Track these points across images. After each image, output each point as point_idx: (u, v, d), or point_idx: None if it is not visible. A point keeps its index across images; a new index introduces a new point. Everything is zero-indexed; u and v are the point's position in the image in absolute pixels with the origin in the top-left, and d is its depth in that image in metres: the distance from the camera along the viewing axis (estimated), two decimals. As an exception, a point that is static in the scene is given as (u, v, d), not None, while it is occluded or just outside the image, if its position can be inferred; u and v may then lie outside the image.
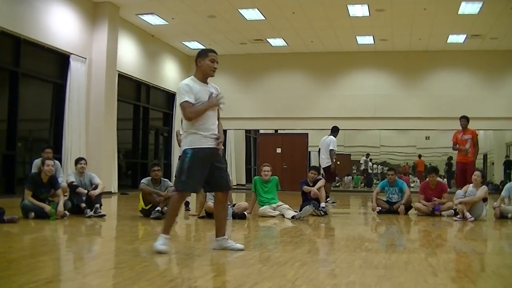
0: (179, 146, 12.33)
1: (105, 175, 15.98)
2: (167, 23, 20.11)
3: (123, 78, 19.38)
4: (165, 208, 10.22)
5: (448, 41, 21.86)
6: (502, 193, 11.69)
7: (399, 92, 23.69)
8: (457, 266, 5.84)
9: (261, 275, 5.01)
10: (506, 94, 22.67)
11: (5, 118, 14.68)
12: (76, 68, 16.41)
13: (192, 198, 12.97)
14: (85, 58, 16.87)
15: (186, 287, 4.51)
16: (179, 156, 6.32)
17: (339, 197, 19.81)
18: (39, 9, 15.06)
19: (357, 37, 21.83)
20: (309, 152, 25.85)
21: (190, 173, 6.09)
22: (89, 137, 16.95)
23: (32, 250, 6.46)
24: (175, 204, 6.28)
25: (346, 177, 29.05)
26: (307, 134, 24.51)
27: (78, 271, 5.34)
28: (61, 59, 16.30)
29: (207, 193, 10.38)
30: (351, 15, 18.88)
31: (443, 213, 11.59)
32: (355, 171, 30.60)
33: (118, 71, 18.52)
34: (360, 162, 30.63)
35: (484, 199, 11.30)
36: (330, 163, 15.99)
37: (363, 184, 29.64)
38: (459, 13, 18.17)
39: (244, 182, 27.98)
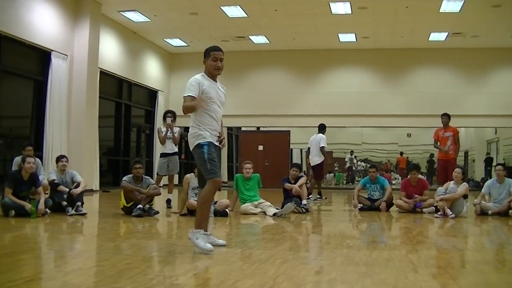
0: (161, 144, 12.44)
1: (86, 172, 15.93)
2: (149, 20, 20.05)
3: (105, 75, 19.28)
4: (147, 205, 10.24)
5: (430, 39, 21.95)
6: (483, 190, 11.83)
7: (381, 89, 23.77)
8: (438, 263, 5.88)
9: (243, 272, 5.02)
10: (487, 92, 22.80)
11: (-14, 115, 14.58)
12: (57, 65, 16.30)
13: (173, 196, 12.94)
14: (67, 55, 16.76)
15: (167, 285, 4.52)
16: (193, 150, 6.32)
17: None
18: (20, 5, 14.93)
19: (339, 34, 21.85)
20: (291, 149, 25.91)
21: (212, 160, 6.16)
22: (71, 134, 16.85)
23: (12, 249, 6.44)
24: (208, 196, 6.20)
25: (328, 175, 29.07)
26: (289, 131, 24.59)
27: (59, 269, 5.31)
28: (42, 56, 16.17)
29: (189, 191, 10.43)
30: (333, 13, 18.89)
31: (424, 210, 11.68)
32: (337, 168, 30.65)
33: (100, 68, 18.43)
34: (345, 160, 30.69)
35: (465, 196, 11.39)
36: (320, 161, 16.15)
37: (345, 181, 29.72)
38: (440, 11, 18.25)
39: (226, 179, 27.96)
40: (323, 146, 16.05)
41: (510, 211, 11.00)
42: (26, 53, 15.80)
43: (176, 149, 12.57)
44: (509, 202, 11.06)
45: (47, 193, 10.53)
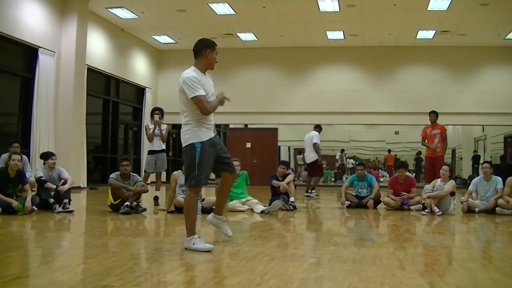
0: (149, 141, 12.41)
1: (74, 169, 15.88)
2: (137, 17, 20.01)
3: (93, 72, 19.23)
4: (134, 202, 10.23)
5: (418, 37, 22.03)
6: (470, 188, 11.89)
7: (369, 87, 23.82)
8: (425, 260, 5.90)
9: (230, 269, 5.03)
10: (475, 90, 22.92)
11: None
12: (44, 61, 16.23)
13: (161, 193, 12.93)
14: (54, 52, 16.70)
15: (155, 282, 4.51)
16: (185, 149, 6.19)
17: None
18: (7, 1, 14.85)
19: (327, 32, 21.88)
20: (279, 146, 25.94)
21: (202, 166, 6.05)
22: (58, 131, 16.79)
23: (-1, 246, 6.41)
24: (191, 202, 6.19)
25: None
26: (277, 129, 24.61)
27: (46, 266, 5.29)
28: (29, 53, 16.10)
29: (176, 188, 10.41)
30: (321, 10, 18.92)
31: (411, 207, 11.72)
32: (325, 165, 30.70)
33: (87, 65, 18.37)
34: (336, 158, 30.73)
35: (452, 193, 11.44)
36: (315, 158, 16.24)
37: (333, 178, 29.79)
38: (428, 9, 18.32)
39: (213, 176, 27.90)
40: (315, 143, 16.09)
41: (496, 208, 11.08)
42: (13, 49, 15.71)
43: (163, 146, 12.55)
44: (496, 199, 11.12)
45: (34, 191, 10.49)
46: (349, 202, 12.38)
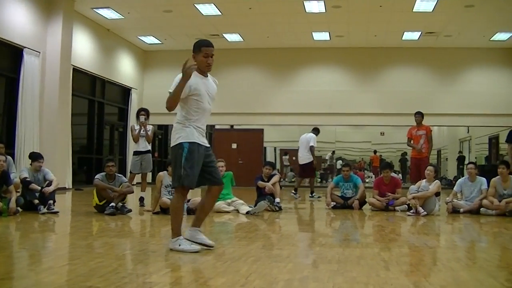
0: (134, 142, 12.40)
1: (59, 170, 15.80)
2: (123, 17, 19.96)
3: (78, 73, 19.16)
4: (120, 203, 10.22)
5: (403, 38, 22.11)
6: (454, 188, 11.98)
7: (355, 88, 23.88)
8: (410, 260, 5.92)
9: (215, 270, 5.03)
10: (460, 91, 23.04)
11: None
12: (29, 61, 16.15)
13: (146, 194, 12.91)
14: (39, 52, 16.61)
15: (139, 283, 4.50)
16: (172, 148, 6.02)
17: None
18: (-9, 1, 14.83)
19: (313, 33, 21.92)
20: (265, 147, 25.94)
21: (188, 167, 5.88)
22: (43, 132, 16.70)
23: (-17, 247, 6.38)
24: (177, 203, 6.11)
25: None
26: (263, 129, 24.60)
27: (31, 268, 5.28)
28: (14, 53, 16.01)
29: (162, 189, 10.41)
30: (307, 11, 18.95)
31: (396, 208, 11.77)
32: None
33: (73, 65, 18.30)
34: (326, 158, 30.74)
35: (437, 194, 11.50)
36: (309, 160, 16.38)
37: (319, 179, 29.81)
38: (414, 10, 18.39)
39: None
40: (312, 146, 16.18)
41: (481, 209, 11.17)
42: (-2, 49, 15.66)
43: (149, 147, 12.54)
44: (481, 200, 11.21)
45: (18, 192, 10.45)
46: (335, 203, 12.42)
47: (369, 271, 5.04)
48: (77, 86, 18.93)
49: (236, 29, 21.60)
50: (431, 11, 18.36)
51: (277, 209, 11.36)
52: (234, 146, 24.16)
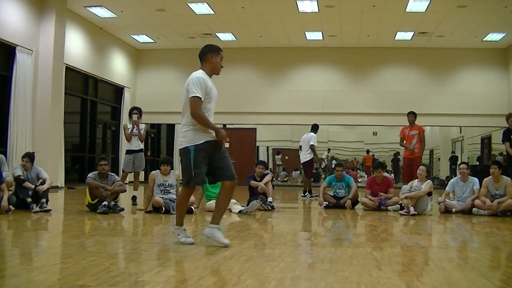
0: (127, 140, 12.37)
1: (52, 169, 15.77)
2: (116, 16, 19.94)
3: (71, 71, 19.16)
4: (112, 202, 10.20)
5: (396, 38, 22.15)
6: (447, 188, 12.00)
7: (348, 88, 23.91)
8: (402, 260, 5.93)
9: (207, 269, 5.03)
10: (452, 91, 23.10)
11: None
12: (22, 60, 16.12)
13: (139, 193, 12.89)
14: (32, 50, 16.58)
15: (132, 282, 4.50)
16: (181, 151, 6.34)
17: (287, 191, 19.99)
18: (-17, -1, 14.78)
19: (306, 32, 21.94)
20: (258, 147, 25.93)
21: (196, 168, 6.19)
22: (36, 130, 16.67)
23: (-25, 245, 6.37)
24: (184, 199, 6.55)
25: (294, 172, 29.15)
26: (255, 129, 24.58)
27: (23, 266, 5.27)
28: (6, 51, 15.98)
29: (154, 188, 10.41)
30: (300, 11, 18.98)
31: (389, 207, 11.79)
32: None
33: (66, 63, 18.28)
34: (323, 157, 30.66)
35: (429, 194, 11.53)
36: (309, 158, 16.48)
37: (312, 179, 29.76)
38: (406, 10, 18.45)
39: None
40: (312, 144, 16.25)
41: (473, 209, 11.17)
42: (-10, 47, 15.61)
43: (142, 146, 12.52)
44: (473, 200, 11.23)
45: (11, 190, 10.41)
46: (327, 203, 12.43)
47: (361, 271, 5.04)
48: (69, 85, 18.91)
49: (229, 28, 21.59)
50: (423, 11, 18.42)
51: (270, 208, 11.37)
52: (226, 145, 24.07)
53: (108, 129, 23.31)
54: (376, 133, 30.02)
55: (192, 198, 10.86)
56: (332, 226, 9.68)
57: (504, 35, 21.11)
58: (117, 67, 23.37)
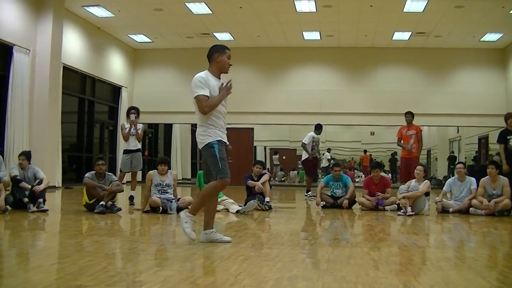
0: (125, 140, 12.36)
1: (49, 169, 15.77)
2: (113, 15, 19.92)
3: (68, 71, 19.14)
4: (109, 202, 10.20)
5: (394, 38, 22.16)
6: (444, 188, 12.02)
7: (345, 87, 23.91)
8: (399, 260, 5.93)
9: (204, 269, 5.04)
10: (450, 91, 23.11)
11: None
12: (19, 59, 16.09)
13: (136, 193, 12.88)
14: (29, 50, 16.56)
15: (129, 282, 4.49)
16: (203, 149, 6.47)
17: (284, 191, 19.99)
18: (-20, -1, 14.75)
19: (303, 32, 21.94)
20: (255, 146, 25.94)
21: (222, 160, 6.32)
22: (33, 130, 16.64)
23: (-28, 245, 6.36)
24: (215, 190, 6.45)
25: (291, 172, 29.14)
26: (253, 128, 24.60)
27: (20, 266, 5.26)
28: (4, 50, 15.94)
29: (152, 188, 10.40)
30: (298, 11, 18.97)
31: (386, 207, 11.80)
32: (300, 165, 30.65)
33: (63, 63, 18.26)
34: (328, 157, 30.58)
35: (427, 194, 11.53)
36: (305, 157, 16.43)
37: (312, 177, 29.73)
38: (404, 10, 18.45)
39: (189, 176, 27.96)
40: (303, 143, 16.23)
41: (470, 209, 11.19)
42: (-13, 47, 15.58)
43: (139, 146, 12.51)
44: (470, 200, 11.24)
45: (8, 190, 10.40)
46: (324, 202, 12.44)
47: (359, 271, 5.04)
48: (67, 84, 18.89)
49: (226, 28, 21.58)
50: (421, 11, 18.43)
51: (267, 208, 11.37)
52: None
53: (105, 129, 23.29)
54: (373, 133, 30.06)
55: (190, 198, 10.92)
56: (329, 226, 9.69)
57: (501, 35, 21.13)
58: (115, 67, 23.35)
